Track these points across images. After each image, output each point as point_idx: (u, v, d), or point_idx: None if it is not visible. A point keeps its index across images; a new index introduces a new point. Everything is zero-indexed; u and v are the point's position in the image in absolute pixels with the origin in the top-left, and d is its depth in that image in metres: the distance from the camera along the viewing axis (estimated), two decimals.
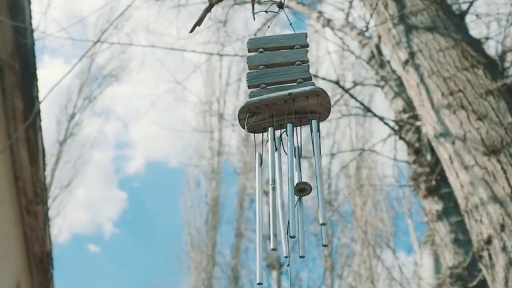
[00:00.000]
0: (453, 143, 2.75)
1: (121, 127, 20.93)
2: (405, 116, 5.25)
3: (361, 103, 6.03)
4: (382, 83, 5.83)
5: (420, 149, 4.90)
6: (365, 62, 6.18)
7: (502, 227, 2.36)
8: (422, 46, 3.18)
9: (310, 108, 1.12)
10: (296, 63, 1.18)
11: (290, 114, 1.12)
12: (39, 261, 5.48)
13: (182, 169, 19.25)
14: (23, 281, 5.38)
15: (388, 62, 5.90)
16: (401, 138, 5.17)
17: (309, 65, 1.19)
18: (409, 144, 5.02)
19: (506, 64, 3.53)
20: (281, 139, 1.13)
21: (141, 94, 16.82)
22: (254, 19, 1.23)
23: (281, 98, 1.11)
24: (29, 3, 4.09)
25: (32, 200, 5.01)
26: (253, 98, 1.13)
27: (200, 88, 13.35)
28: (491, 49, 4.63)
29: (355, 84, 7.26)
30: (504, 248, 2.34)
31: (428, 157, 4.81)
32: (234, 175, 13.95)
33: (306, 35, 1.22)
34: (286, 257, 1.02)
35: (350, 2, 6.71)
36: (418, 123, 5.03)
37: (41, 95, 4.42)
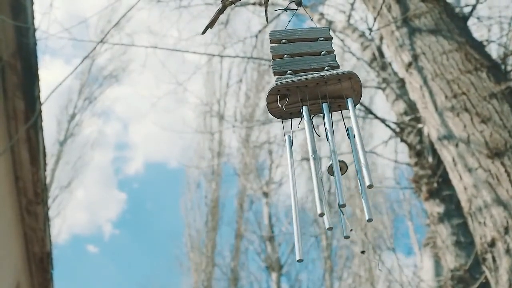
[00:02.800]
0: (456, 145, 2.76)
1: (121, 128, 20.94)
2: (406, 118, 5.26)
3: (364, 106, 6.03)
4: (383, 85, 5.84)
5: (421, 152, 4.91)
6: (367, 64, 6.19)
7: (506, 229, 2.37)
8: (426, 49, 3.18)
9: (343, 92, 1.09)
10: (322, 53, 1.16)
11: (323, 97, 1.08)
12: (39, 261, 5.47)
13: (182, 170, 19.24)
14: (23, 281, 5.37)
15: (390, 64, 5.91)
16: (402, 140, 5.18)
17: (335, 55, 1.17)
18: (410, 146, 5.03)
19: (508, 68, 3.54)
20: (312, 122, 1.10)
21: (141, 95, 16.83)
22: (267, 21, 1.23)
23: (314, 80, 1.08)
24: (32, 3, 4.09)
25: (33, 200, 5.01)
26: (283, 80, 1.09)
27: (201, 90, 13.37)
28: (493, 52, 4.65)
29: None
30: (508, 251, 2.35)
31: (430, 159, 4.82)
32: (234, 176, 13.96)
33: (329, 29, 1.21)
34: (329, 229, 0.99)
35: (352, 5, 6.73)
36: (419, 126, 5.04)
37: (42, 96, 4.43)
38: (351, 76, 1.09)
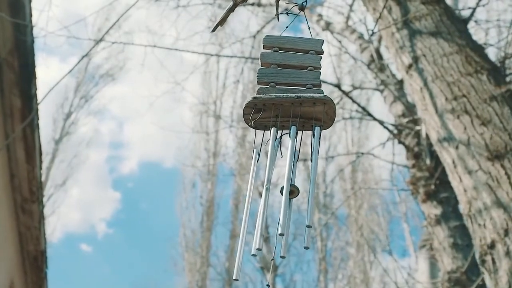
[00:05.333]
0: (456, 147, 2.76)
1: (116, 127, 20.87)
2: (404, 120, 5.28)
3: (362, 107, 6.05)
4: (381, 87, 5.85)
5: (419, 154, 4.92)
6: (365, 65, 6.20)
7: (506, 232, 2.38)
8: (426, 51, 3.19)
9: (315, 114, 1.13)
10: (309, 68, 1.19)
11: (295, 117, 1.12)
12: (33, 259, 5.45)
13: (177, 170, 19.21)
14: (17, 279, 5.34)
15: (388, 66, 5.93)
16: (400, 142, 5.19)
17: (320, 72, 1.20)
18: (408, 148, 5.04)
19: (507, 71, 3.55)
20: (281, 141, 1.14)
21: (138, 94, 16.79)
22: (278, 20, 1.23)
23: (289, 100, 1.13)
24: (30, 0, 4.07)
25: (28, 198, 4.99)
26: (261, 95, 1.14)
27: (197, 90, 13.36)
28: (491, 55, 4.65)
29: (354, 87, 7.28)
30: (507, 253, 2.35)
31: (428, 161, 4.83)
32: (230, 177, 13.95)
33: (322, 42, 1.23)
34: (282, 257, 1.03)
35: (350, 6, 6.74)
36: (417, 128, 5.06)
37: (38, 94, 4.41)
38: (325, 102, 1.12)
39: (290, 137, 1.12)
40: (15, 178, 4.84)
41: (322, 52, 1.22)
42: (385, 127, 5.49)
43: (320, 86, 1.17)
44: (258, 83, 1.17)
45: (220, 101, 13.23)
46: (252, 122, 1.14)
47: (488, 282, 2.52)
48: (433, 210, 4.64)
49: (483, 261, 2.49)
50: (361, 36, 6.30)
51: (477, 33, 5.08)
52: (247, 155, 12.74)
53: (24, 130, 4.48)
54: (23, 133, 4.50)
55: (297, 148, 1.13)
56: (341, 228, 12.63)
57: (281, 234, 1.00)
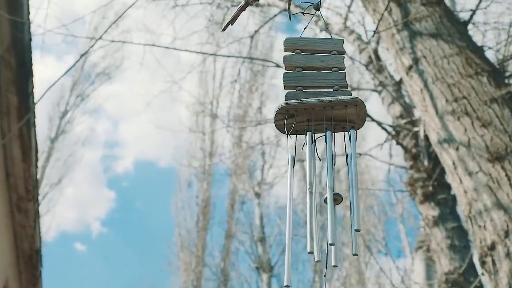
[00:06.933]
0: (457, 149, 2.77)
1: (111, 126, 20.80)
2: (402, 121, 5.29)
3: None
4: (379, 88, 5.86)
5: (417, 155, 4.93)
6: (364, 66, 6.21)
7: (506, 233, 2.38)
8: (426, 52, 3.20)
9: (348, 116, 1.14)
10: (333, 69, 1.19)
11: (328, 120, 1.13)
12: (28, 258, 5.41)
13: (173, 169, 19.18)
14: (11, 278, 5.31)
15: (386, 67, 5.94)
16: (398, 143, 5.20)
17: (345, 73, 1.19)
18: (406, 149, 5.05)
19: (507, 73, 3.56)
20: (315, 145, 1.14)
21: (134, 93, 16.74)
22: (290, 19, 1.23)
23: (321, 104, 1.12)
24: None
25: (23, 197, 4.95)
26: (293, 101, 1.13)
27: (194, 89, 13.33)
28: (489, 57, 4.66)
29: (352, 88, 7.29)
30: (508, 254, 2.36)
31: (425, 162, 4.84)
32: (226, 177, 13.94)
33: (343, 42, 1.23)
34: (317, 261, 1.01)
35: (349, 7, 6.75)
36: (415, 129, 5.07)
37: (35, 92, 4.39)
38: (357, 104, 1.13)
39: (326, 142, 1.13)
40: (11, 177, 4.81)
41: (344, 52, 1.22)
42: (383, 128, 5.50)
43: (347, 87, 1.17)
44: (285, 87, 1.17)
45: (216, 101, 13.22)
46: (287, 128, 1.14)
47: (488, 283, 2.53)
48: (431, 211, 4.65)
49: (483, 263, 2.50)
50: (359, 37, 6.31)
51: (475, 35, 5.09)
52: (243, 155, 12.74)
53: (21, 128, 4.46)
54: (19, 131, 4.47)
55: (333, 152, 1.14)
56: (337, 228, 12.63)
57: (332, 244, 1.01)
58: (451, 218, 4.54)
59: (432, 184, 4.70)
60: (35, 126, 4.59)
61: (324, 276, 1.04)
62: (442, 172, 4.62)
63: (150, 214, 20.74)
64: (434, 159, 4.68)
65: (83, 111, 14.32)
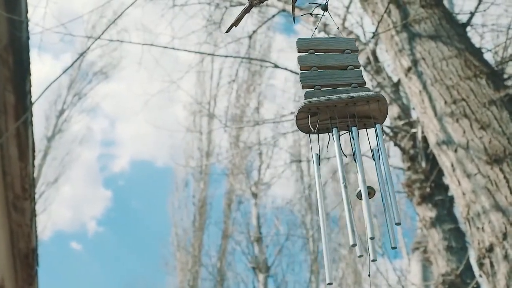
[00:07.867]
0: (455, 151, 2.78)
1: (108, 125, 20.76)
2: (400, 122, 5.30)
3: None
4: (377, 89, 5.87)
5: (415, 156, 4.94)
6: (362, 67, 6.21)
7: (504, 235, 2.39)
8: (425, 54, 3.20)
9: (370, 112, 1.13)
10: (349, 67, 1.19)
11: (351, 117, 1.13)
12: (24, 257, 5.39)
13: (169, 169, 19.17)
14: (7, 277, 5.29)
15: (384, 68, 5.95)
16: (396, 144, 5.21)
17: (361, 70, 1.20)
18: (404, 150, 5.06)
19: (505, 76, 3.57)
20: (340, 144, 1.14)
21: (131, 92, 16.71)
22: (294, 22, 1.23)
23: (343, 101, 1.12)
24: None
25: (20, 195, 4.94)
26: (314, 99, 1.13)
27: (192, 89, 13.32)
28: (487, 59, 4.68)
29: None
30: (506, 256, 2.37)
31: (423, 164, 4.85)
32: (223, 176, 13.93)
33: (355, 41, 1.24)
34: (359, 256, 1.04)
35: (347, 8, 6.75)
36: (413, 130, 5.08)
37: (33, 91, 4.38)
38: (379, 99, 1.13)
39: (353, 138, 1.13)
40: (8, 176, 4.79)
41: (357, 51, 1.23)
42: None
43: (364, 84, 1.17)
44: (303, 87, 1.16)
45: (214, 101, 13.20)
46: (312, 126, 1.13)
47: (486, 285, 2.54)
48: (428, 212, 4.66)
49: (481, 264, 2.50)
50: (357, 38, 6.31)
51: (473, 38, 5.11)
52: (241, 155, 12.73)
53: (18, 127, 4.44)
54: (16, 130, 4.46)
55: (359, 148, 1.14)
56: (333, 229, 12.65)
57: (372, 238, 1.02)
58: (448, 219, 4.56)
59: (430, 186, 4.72)
60: (32, 125, 4.58)
61: (369, 275, 1.05)
62: (440, 173, 4.64)
63: (146, 214, 20.72)
64: (432, 161, 4.69)
65: (80, 110, 14.29)
